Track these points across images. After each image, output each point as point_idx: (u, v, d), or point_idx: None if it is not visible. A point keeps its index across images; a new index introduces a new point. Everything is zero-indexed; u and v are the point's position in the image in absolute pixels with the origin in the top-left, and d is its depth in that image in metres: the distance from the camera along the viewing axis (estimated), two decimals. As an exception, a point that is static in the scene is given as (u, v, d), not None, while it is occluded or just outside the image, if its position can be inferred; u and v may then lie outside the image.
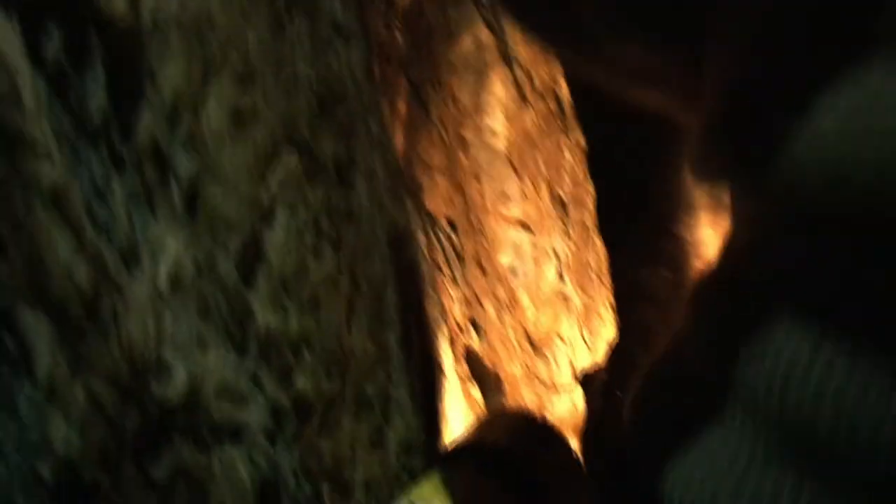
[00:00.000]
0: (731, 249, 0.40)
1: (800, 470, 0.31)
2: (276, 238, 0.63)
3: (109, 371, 0.47)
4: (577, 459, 0.82)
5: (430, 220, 1.24)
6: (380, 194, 0.81)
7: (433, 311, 1.03)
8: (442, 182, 1.27)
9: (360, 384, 0.74)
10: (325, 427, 0.69)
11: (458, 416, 1.03)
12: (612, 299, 1.64)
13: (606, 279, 1.53)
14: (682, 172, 0.81)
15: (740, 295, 0.36)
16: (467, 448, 0.75)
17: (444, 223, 1.24)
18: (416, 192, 1.26)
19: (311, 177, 0.67)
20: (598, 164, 0.89)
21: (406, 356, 0.83)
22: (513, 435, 0.79)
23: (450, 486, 0.72)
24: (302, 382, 0.66)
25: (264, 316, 0.61)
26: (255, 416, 0.61)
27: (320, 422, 0.69)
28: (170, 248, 0.53)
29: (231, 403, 0.60)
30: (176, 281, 0.54)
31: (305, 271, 0.66)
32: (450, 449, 0.77)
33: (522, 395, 1.34)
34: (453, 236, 1.23)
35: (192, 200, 0.55)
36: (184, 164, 0.54)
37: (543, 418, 0.82)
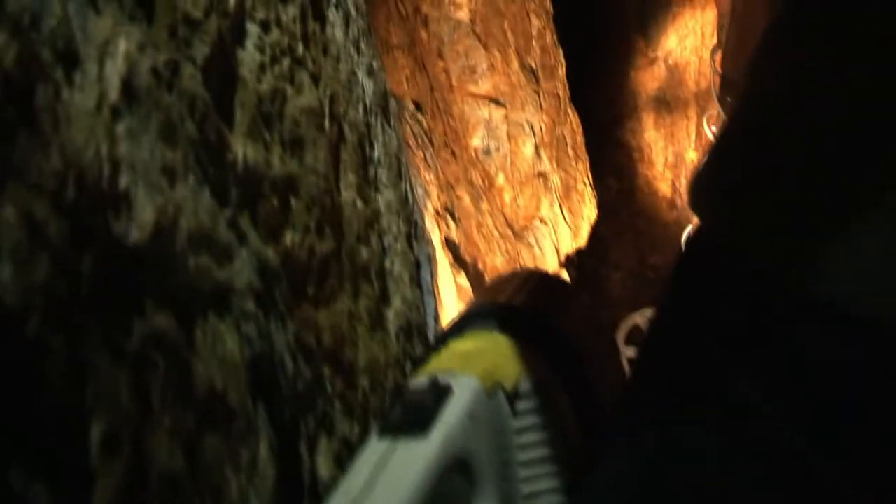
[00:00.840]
0: None
1: None
2: (249, 57, 0.52)
3: (49, 187, 0.36)
4: (595, 314, 0.75)
5: (395, 101, 1.14)
6: (356, 36, 0.71)
7: (418, 190, 0.93)
8: (403, 61, 1.16)
9: (354, 247, 0.65)
10: (321, 297, 0.60)
11: (453, 302, 0.94)
12: (589, 173, 1.58)
13: (582, 153, 1.46)
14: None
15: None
16: (484, 310, 0.67)
17: (409, 104, 1.13)
18: (375, 74, 1.15)
19: (281, -10, 0.56)
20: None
21: (398, 223, 0.74)
22: (530, 292, 0.70)
23: (471, 348, 0.63)
24: (291, 237, 0.56)
25: (242, 146, 0.50)
26: (240, 275, 0.51)
27: (316, 290, 0.59)
28: (119, 49, 0.42)
29: (210, 256, 0.50)
30: (130, 91, 0.43)
31: (283, 100, 0.55)
32: (460, 316, 0.69)
33: (505, 287, 1.26)
34: (421, 118, 1.13)
35: (144, -7, 0.43)
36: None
37: (557, 275, 0.73)
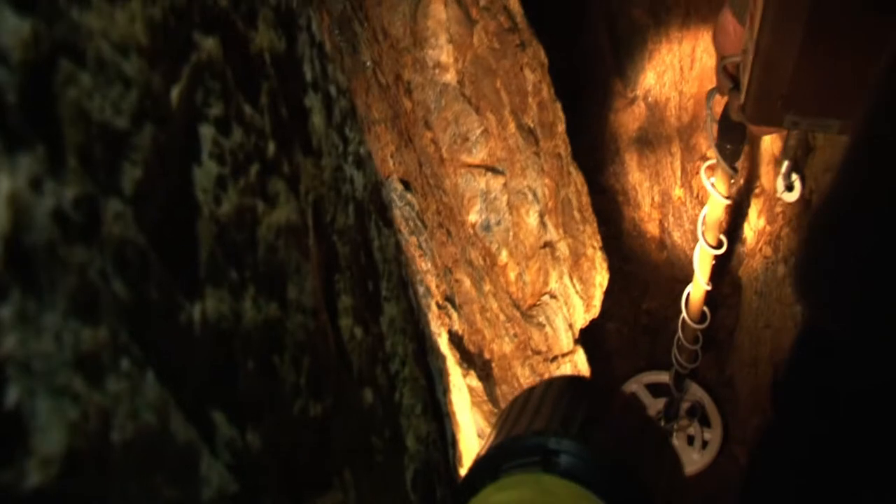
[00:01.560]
0: None
1: None
2: (203, 173, 0.38)
3: None
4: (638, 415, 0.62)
5: (385, 186, 0.99)
6: (340, 121, 0.57)
7: (419, 289, 0.79)
8: (386, 137, 1.02)
9: (357, 394, 0.50)
10: (319, 477, 0.45)
11: (467, 417, 0.79)
12: (598, 236, 1.44)
13: (589, 213, 1.32)
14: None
15: None
16: (522, 444, 0.52)
17: (395, 185, 0.99)
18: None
19: (244, 74, 0.42)
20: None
21: (404, 342, 0.60)
22: (570, 412, 0.56)
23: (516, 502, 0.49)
24: (276, 408, 0.41)
25: (200, 299, 0.36)
26: (207, 483, 0.36)
27: (313, 469, 0.44)
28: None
29: (162, 471, 0.35)
30: (18, 254, 0.28)
31: (253, 221, 0.41)
32: (491, 452, 0.54)
33: (516, 374, 1.11)
34: (410, 198, 0.99)
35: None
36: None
37: (592, 380, 0.60)
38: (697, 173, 2.83)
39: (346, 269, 0.53)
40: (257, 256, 0.42)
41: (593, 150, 2.89)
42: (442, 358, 0.75)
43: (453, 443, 0.71)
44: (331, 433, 0.45)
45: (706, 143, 2.88)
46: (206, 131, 0.40)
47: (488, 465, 0.55)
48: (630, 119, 2.95)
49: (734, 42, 1.07)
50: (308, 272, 0.46)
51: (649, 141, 2.87)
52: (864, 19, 0.79)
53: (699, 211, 2.69)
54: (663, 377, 2.34)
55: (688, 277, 1.94)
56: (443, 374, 0.72)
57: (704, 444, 2.29)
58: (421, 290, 0.79)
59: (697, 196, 2.92)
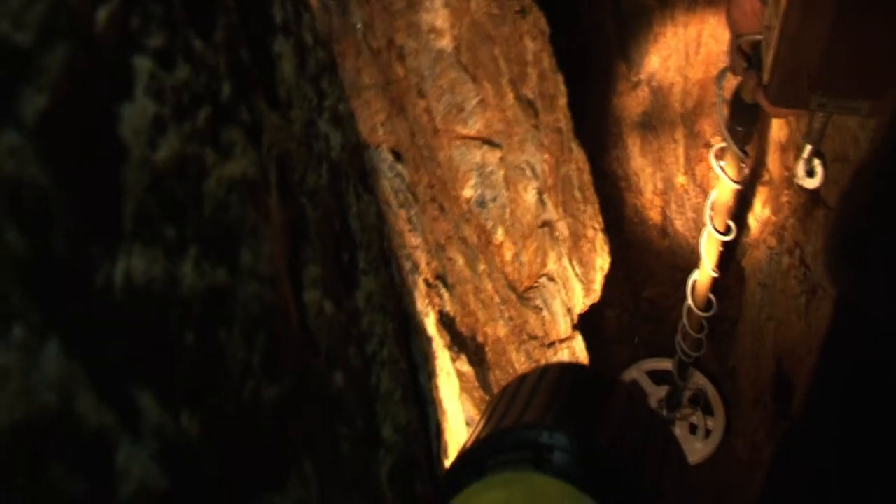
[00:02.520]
0: None
1: None
2: (135, 111, 0.32)
3: None
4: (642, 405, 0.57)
5: (370, 153, 0.93)
6: (315, 72, 0.50)
7: (405, 264, 0.73)
8: (377, 104, 0.96)
9: (324, 377, 0.44)
10: (274, 472, 0.39)
11: (455, 404, 0.73)
12: (599, 217, 1.38)
13: (591, 193, 1.25)
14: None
15: None
16: (511, 439, 0.47)
17: (385, 154, 0.93)
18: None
19: (196, 3, 0.36)
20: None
21: (383, 320, 0.54)
22: (567, 403, 0.51)
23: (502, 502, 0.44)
24: (221, 392, 0.35)
25: (124, 257, 0.30)
26: (126, 478, 0.30)
27: (267, 463, 0.38)
28: None
29: (63, 463, 0.29)
30: None
31: (200, 172, 0.35)
32: (477, 446, 0.49)
33: (511, 360, 1.05)
34: (401, 169, 0.92)
35: None
36: None
37: (591, 368, 0.54)
38: (701, 161, 2.76)
39: (316, 236, 0.47)
40: (203, 213, 0.36)
41: (595, 135, 2.83)
42: (428, 340, 0.69)
43: (438, 433, 0.65)
44: (289, 420, 0.39)
45: (711, 130, 2.82)
46: (143, 63, 0.34)
47: (473, 461, 0.49)
48: (633, 103, 2.89)
49: (752, 19, 1.01)
50: (267, 235, 0.40)
51: (653, 126, 2.81)
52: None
53: (702, 199, 2.63)
54: (665, 364, 2.29)
55: (690, 266, 1.88)
56: (428, 357, 0.66)
57: (707, 433, 2.24)
58: (408, 265, 0.73)
59: (700, 184, 2.86)
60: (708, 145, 2.76)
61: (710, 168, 2.10)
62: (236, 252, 0.38)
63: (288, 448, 0.39)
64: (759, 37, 1.00)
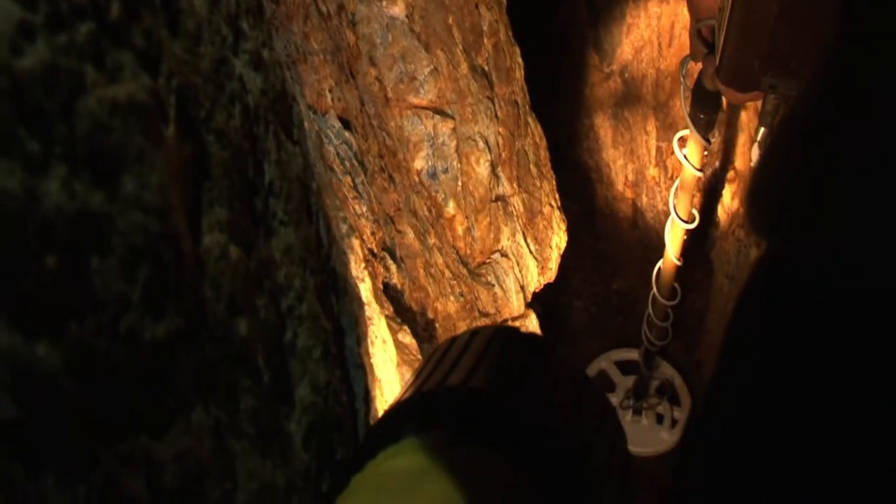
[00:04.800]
0: None
1: None
2: (-19, 4, 0.29)
3: None
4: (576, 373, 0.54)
5: (316, 119, 0.90)
6: (233, 10, 0.48)
7: (341, 227, 0.70)
8: (325, 70, 0.93)
9: (223, 322, 0.41)
10: (159, 415, 0.36)
11: (392, 373, 0.70)
12: (556, 194, 1.36)
13: (547, 169, 1.22)
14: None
15: None
16: (428, 402, 0.44)
17: (333, 122, 0.90)
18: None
19: None
20: None
21: (303, 275, 0.51)
22: (493, 365, 0.48)
23: (409, 468, 0.41)
24: (90, 322, 0.32)
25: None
26: None
27: (148, 405, 0.36)
28: None
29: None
30: None
31: (76, 89, 0.32)
32: (395, 410, 0.46)
33: (462, 338, 1.03)
34: (349, 137, 0.90)
35: None
36: None
37: (525, 331, 0.51)
38: (673, 153, 2.76)
39: (223, 177, 0.44)
40: (76, 131, 0.33)
41: (566, 125, 2.81)
42: (360, 304, 0.67)
43: (367, 398, 0.63)
44: (175, 364, 0.36)
45: (683, 123, 2.81)
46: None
47: (391, 425, 0.47)
48: (605, 94, 2.88)
49: (711, 3, 0.99)
50: (158, 165, 0.38)
51: (624, 118, 2.80)
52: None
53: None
54: (632, 354, 2.29)
55: (660, 258, 1.88)
56: (358, 320, 0.63)
57: (674, 422, 2.24)
58: (344, 228, 0.70)
59: (672, 177, 2.85)
60: (681, 139, 2.76)
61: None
62: (117, 178, 0.35)
63: (172, 393, 0.37)
64: (714, 22, 0.99)
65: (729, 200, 2.38)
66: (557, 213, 1.25)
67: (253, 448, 0.44)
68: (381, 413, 0.64)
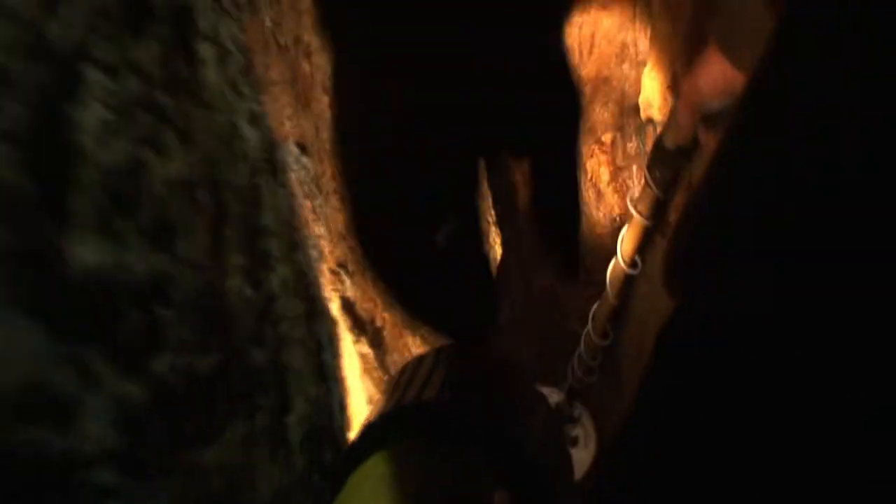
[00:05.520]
0: None
1: None
2: (89, 117, 0.37)
3: None
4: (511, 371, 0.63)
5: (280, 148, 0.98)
6: (234, 76, 0.55)
7: (312, 249, 0.78)
8: (284, 98, 1.00)
9: (245, 352, 0.49)
10: (206, 433, 0.44)
11: (357, 383, 0.79)
12: (492, 211, 1.46)
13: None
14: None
15: None
16: (392, 416, 0.53)
17: (291, 147, 0.97)
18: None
19: (136, 23, 0.41)
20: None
21: (295, 304, 0.59)
22: (445, 377, 0.57)
23: (383, 475, 0.49)
24: (162, 362, 0.40)
25: (81, 246, 0.35)
26: (90, 438, 0.35)
27: (199, 425, 0.44)
28: None
29: (42, 424, 0.34)
30: None
31: (143, 172, 0.40)
32: (367, 428, 0.54)
33: (407, 344, 1.12)
34: (306, 161, 0.97)
35: None
36: None
37: (464, 343, 0.61)
38: (592, 156, 2.89)
39: (238, 228, 0.52)
40: (145, 208, 0.40)
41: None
42: (333, 322, 0.75)
43: (342, 407, 0.71)
44: (217, 391, 0.45)
45: (602, 129, 2.94)
46: (93, 75, 0.38)
47: (376, 435, 0.54)
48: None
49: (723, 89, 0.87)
50: (198, 227, 0.45)
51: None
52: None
53: (593, 195, 2.73)
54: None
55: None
56: (332, 338, 0.72)
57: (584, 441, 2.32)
58: (314, 254, 0.79)
59: (592, 180, 2.98)
60: (599, 142, 2.87)
61: (600, 164, 2.21)
62: (174, 242, 0.43)
63: (215, 416, 0.45)
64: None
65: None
66: (494, 228, 1.36)
67: (268, 457, 0.52)
68: (354, 421, 0.72)
